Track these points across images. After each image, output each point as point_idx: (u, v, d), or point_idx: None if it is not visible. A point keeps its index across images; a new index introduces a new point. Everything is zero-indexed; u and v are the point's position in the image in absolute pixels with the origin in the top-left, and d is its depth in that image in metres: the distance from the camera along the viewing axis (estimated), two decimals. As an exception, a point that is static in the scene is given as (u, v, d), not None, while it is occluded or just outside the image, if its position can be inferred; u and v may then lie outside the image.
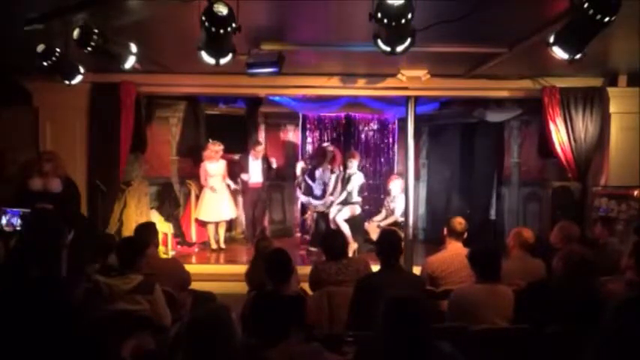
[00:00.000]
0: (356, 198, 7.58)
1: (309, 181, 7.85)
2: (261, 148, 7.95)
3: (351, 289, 3.53)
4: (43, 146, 6.11)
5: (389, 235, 3.83)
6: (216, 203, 7.52)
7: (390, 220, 7.70)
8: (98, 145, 6.22)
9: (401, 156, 8.76)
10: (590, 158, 6.20)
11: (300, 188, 7.99)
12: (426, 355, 2.14)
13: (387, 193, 8.03)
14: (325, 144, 8.54)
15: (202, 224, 7.75)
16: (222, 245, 7.73)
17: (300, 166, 8.22)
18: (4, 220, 4.49)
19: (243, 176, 7.73)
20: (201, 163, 7.57)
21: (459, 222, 4.33)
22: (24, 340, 2.15)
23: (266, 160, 7.88)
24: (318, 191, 7.80)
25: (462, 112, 8.18)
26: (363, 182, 7.73)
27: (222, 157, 7.67)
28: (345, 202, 7.50)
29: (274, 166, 7.90)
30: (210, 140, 7.77)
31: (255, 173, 7.79)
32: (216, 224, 7.67)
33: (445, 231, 4.37)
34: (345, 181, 7.54)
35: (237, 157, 7.99)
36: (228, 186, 7.75)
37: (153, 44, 4.83)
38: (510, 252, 4.28)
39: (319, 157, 8.00)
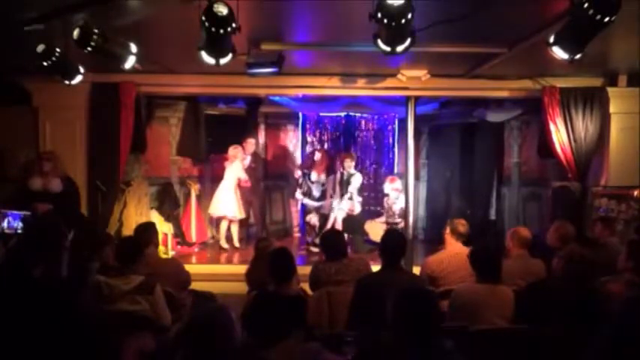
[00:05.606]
0: (356, 197, 7.60)
1: (309, 184, 7.91)
2: (252, 142, 8.03)
3: (351, 289, 3.52)
4: (43, 146, 6.10)
5: (395, 235, 3.80)
6: (222, 199, 7.55)
7: (391, 221, 7.71)
8: (98, 145, 6.21)
9: (401, 156, 8.77)
10: (590, 158, 6.18)
11: (300, 189, 8.02)
12: (431, 350, 2.14)
13: (385, 194, 8.04)
14: (316, 148, 8.65)
15: (216, 222, 7.73)
16: (237, 244, 7.70)
17: (298, 171, 8.36)
18: (4, 223, 4.49)
19: None
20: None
21: (462, 224, 4.34)
22: (25, 341, 2.15)
23: (258, 157, 7.92)
24: (316, 192, 7.85)
25: (462, 112, 8.18)
26: (362, 182, 7.75)
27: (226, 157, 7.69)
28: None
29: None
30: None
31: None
32: (229, 222, 7.65)
33: (447, 231, 4.37)
34: (345, 183, 7.57)
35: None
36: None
37: (153, 44, 4.82)
38: (510, 252, 4.28)
39: (310, 162, 8.12)
